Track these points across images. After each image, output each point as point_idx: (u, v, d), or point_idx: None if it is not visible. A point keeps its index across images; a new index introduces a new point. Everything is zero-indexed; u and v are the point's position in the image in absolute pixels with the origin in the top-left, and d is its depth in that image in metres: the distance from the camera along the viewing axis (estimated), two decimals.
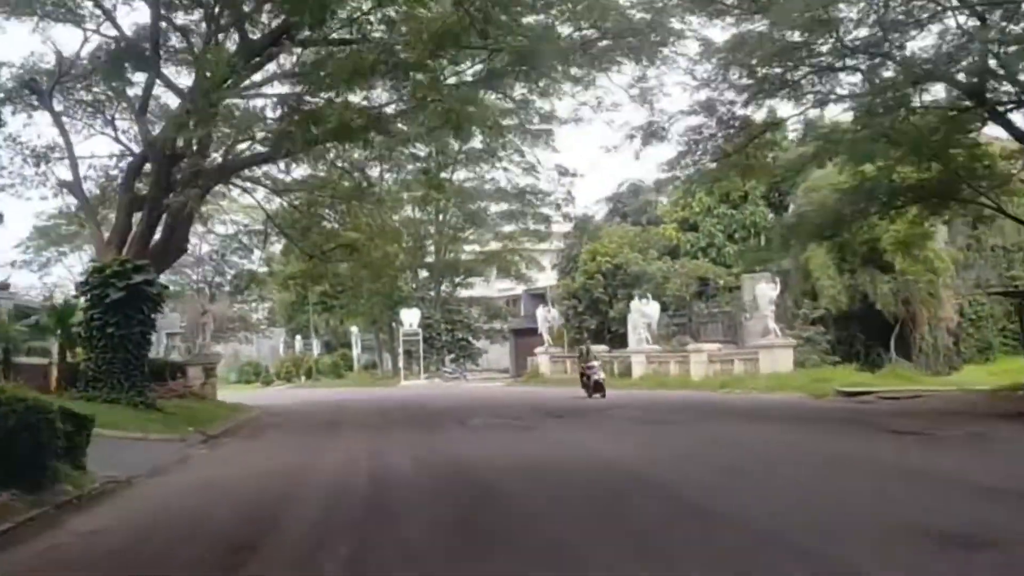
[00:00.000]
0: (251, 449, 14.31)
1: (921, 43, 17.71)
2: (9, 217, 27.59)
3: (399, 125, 18.51)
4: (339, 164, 21.51)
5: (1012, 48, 15.81)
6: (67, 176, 19.22)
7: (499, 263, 49.43)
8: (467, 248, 49.86)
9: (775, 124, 21.51)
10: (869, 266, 28.13)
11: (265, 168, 22.62)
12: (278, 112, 17.85)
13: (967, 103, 17.66)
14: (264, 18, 17.89)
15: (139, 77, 18.36)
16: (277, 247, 31.66)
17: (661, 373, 31.09)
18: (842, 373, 25.30)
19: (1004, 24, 16.20)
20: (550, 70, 18.26)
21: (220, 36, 17.66)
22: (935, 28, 17.23)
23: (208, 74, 15.26)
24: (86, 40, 18.52)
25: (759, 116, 21.58)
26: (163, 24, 17.86)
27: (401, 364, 45.35)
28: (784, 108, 21.17)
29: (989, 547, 5.66)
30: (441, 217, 47.54)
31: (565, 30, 18.57)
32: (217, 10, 17.31)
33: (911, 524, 6.38)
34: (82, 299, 17.25)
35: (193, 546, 6.68)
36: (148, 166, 18.76)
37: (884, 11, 16.97)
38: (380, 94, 18.97)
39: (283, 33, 17.23)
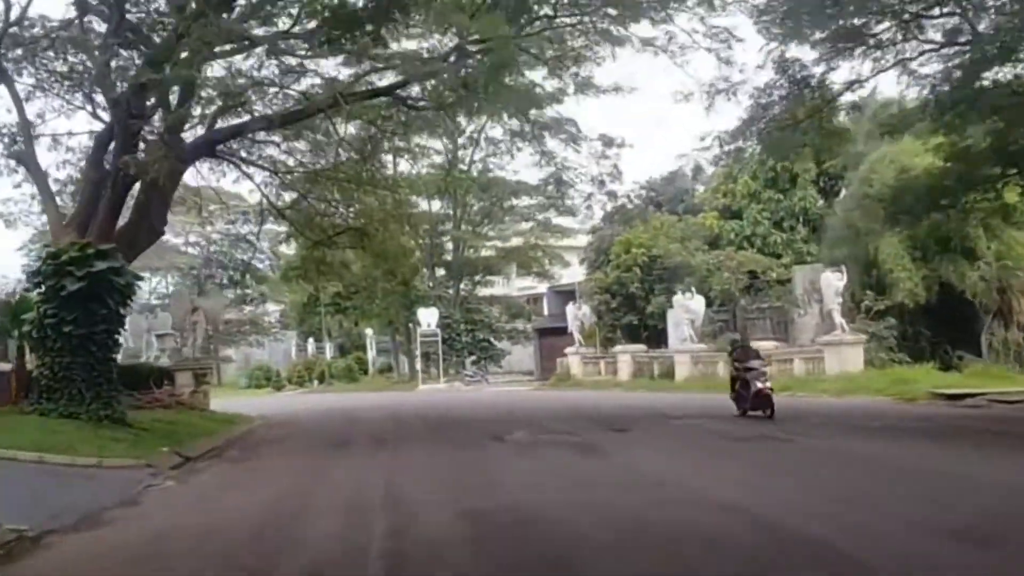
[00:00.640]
0: (231, 481, 11.16)
1: None
2: None
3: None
4: (342, 136, 18.50)
5: None
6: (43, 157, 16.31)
7: (520, 259, 46.74)
8: (487, 244, 46.99)
9: (859, 82, 18.16)
10: (950, 254, 24.91)
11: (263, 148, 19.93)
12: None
13: None
14: None
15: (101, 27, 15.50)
16: (281, 233, 28.71)
17: (708, 375, 27.92)
18: (923, 373, 22.37)
19: None
20: None
21: None
22: None
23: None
24: None
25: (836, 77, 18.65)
26: None
27: (419, 367, 42.26)
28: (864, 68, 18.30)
29: None
30: (460, 212, 44.87)
31: None
32: None
33: None
34: (35, 292, 14.38)
35: None
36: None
37: None
38: None
39: None
